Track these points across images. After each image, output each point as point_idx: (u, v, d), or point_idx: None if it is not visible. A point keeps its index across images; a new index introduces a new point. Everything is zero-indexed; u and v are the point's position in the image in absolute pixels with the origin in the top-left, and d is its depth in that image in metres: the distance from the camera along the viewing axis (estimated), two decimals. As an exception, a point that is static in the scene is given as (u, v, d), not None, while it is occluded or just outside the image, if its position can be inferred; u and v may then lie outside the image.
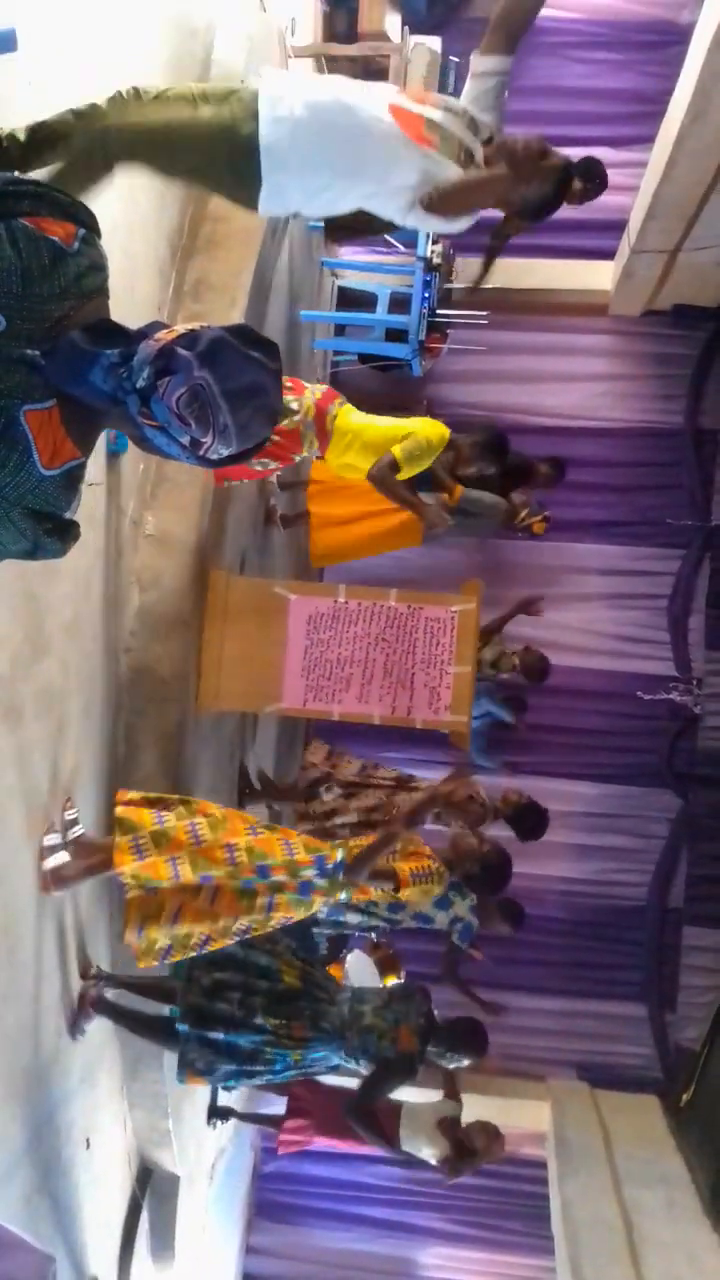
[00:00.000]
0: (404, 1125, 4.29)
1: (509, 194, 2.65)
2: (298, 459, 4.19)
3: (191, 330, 1.63)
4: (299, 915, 3.24)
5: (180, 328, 1.65)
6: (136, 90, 2.48)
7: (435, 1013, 3.74)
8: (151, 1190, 4.41)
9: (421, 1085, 4.43)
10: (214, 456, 1.67)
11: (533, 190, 2.67)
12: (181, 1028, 3.42)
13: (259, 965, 3.51)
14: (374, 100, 2.58)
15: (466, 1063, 3.77)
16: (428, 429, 4.18)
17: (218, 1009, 3.40)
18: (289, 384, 3.99)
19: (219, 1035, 3.41)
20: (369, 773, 5.02)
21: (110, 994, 3.60)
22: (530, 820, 5.28)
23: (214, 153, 2.51)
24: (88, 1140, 3.65)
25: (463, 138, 2.63)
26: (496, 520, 5.94)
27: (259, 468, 4.08)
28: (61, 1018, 3.35)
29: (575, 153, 6.74)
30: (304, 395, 4.08)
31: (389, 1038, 3.55)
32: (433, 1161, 4.27)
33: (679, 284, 6.42)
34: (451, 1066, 3.86)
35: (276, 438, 3.78)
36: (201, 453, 1.66)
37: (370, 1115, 3.87)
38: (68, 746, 3.24)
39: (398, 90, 2.68)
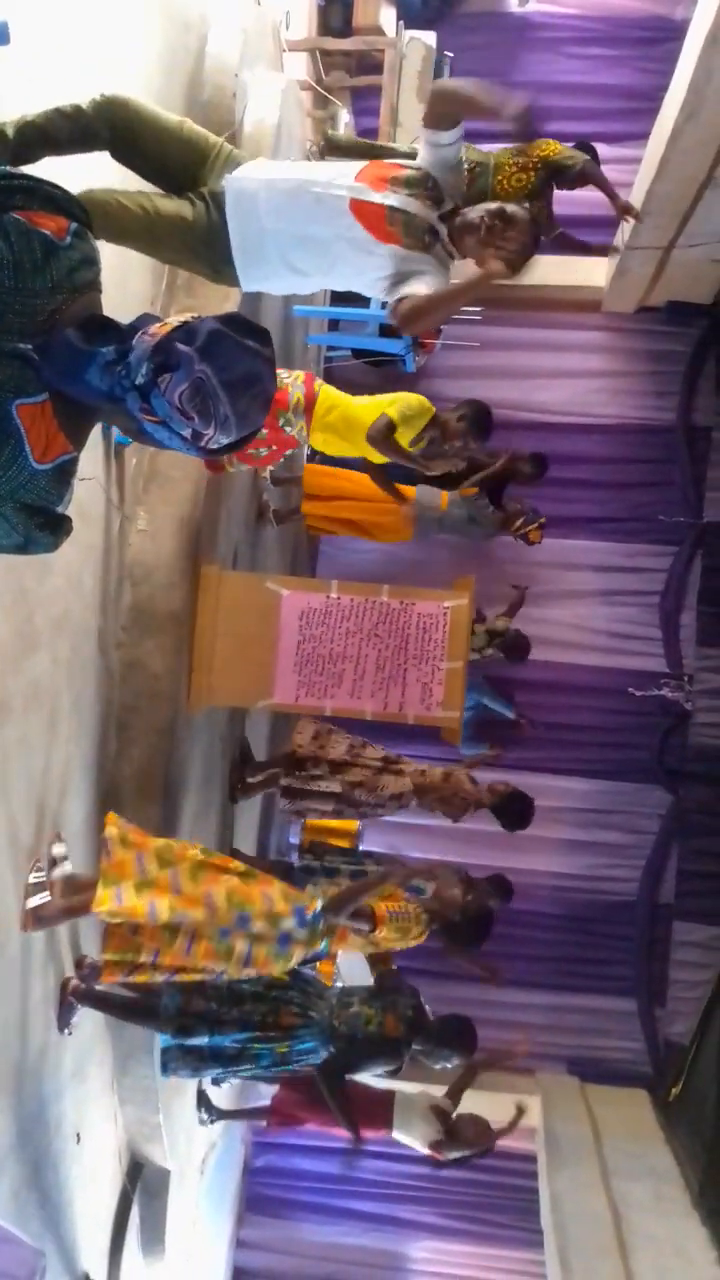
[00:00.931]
0: (397, 1112, 4.32)
1: (481, 292, 2.67)
2: (288, 430, 4.26)
3: (186, 323, 1.63)
4: (276, 970, 3.22)
5: (173, 320, 1.65)
6: (112, 99, 2.56)
7: (427, 1009, 3.76)
8: (142, 1185, 4.41)
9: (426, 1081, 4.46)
10: (214, 446, 1.67)
11: (510, 255, 2.70)
12: (162, 1038, 3.40)
13: None
14: (336, 198, 2.64)
15: (455, 1062, 3.77)
16: (408, 398, 4.26)
17: (198, 1006, 3.39)
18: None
19: (202, 1040, 3.40)
20: (356, 752, 5.04)
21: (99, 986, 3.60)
22: (516, 809, 5.30)
23: (194, 251, 2.67)
24: (78, 1135, 3.65)
25: (425, 217, 2.69)
26: (492, 530, 5.99)
27: (249, 450, 4.12)
28: (51, 1013, 3.35)
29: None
30: (289, 371, 4.23)
31: (375, 1022, 3.58)
32: (423, 1148, 4.28)
33: (672, 281, 6.43)
34: (438, 1066, 3.84)
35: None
36: (203, 444, 1.66)
37: (336, 1078, 3.77)
38: (59, 742, 3.23)
39: (357, 173, 2.70)
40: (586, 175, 5.41)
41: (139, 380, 1.60)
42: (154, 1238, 4.55)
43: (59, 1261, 3.55)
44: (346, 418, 4.27)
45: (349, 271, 2.74)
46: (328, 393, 4.34)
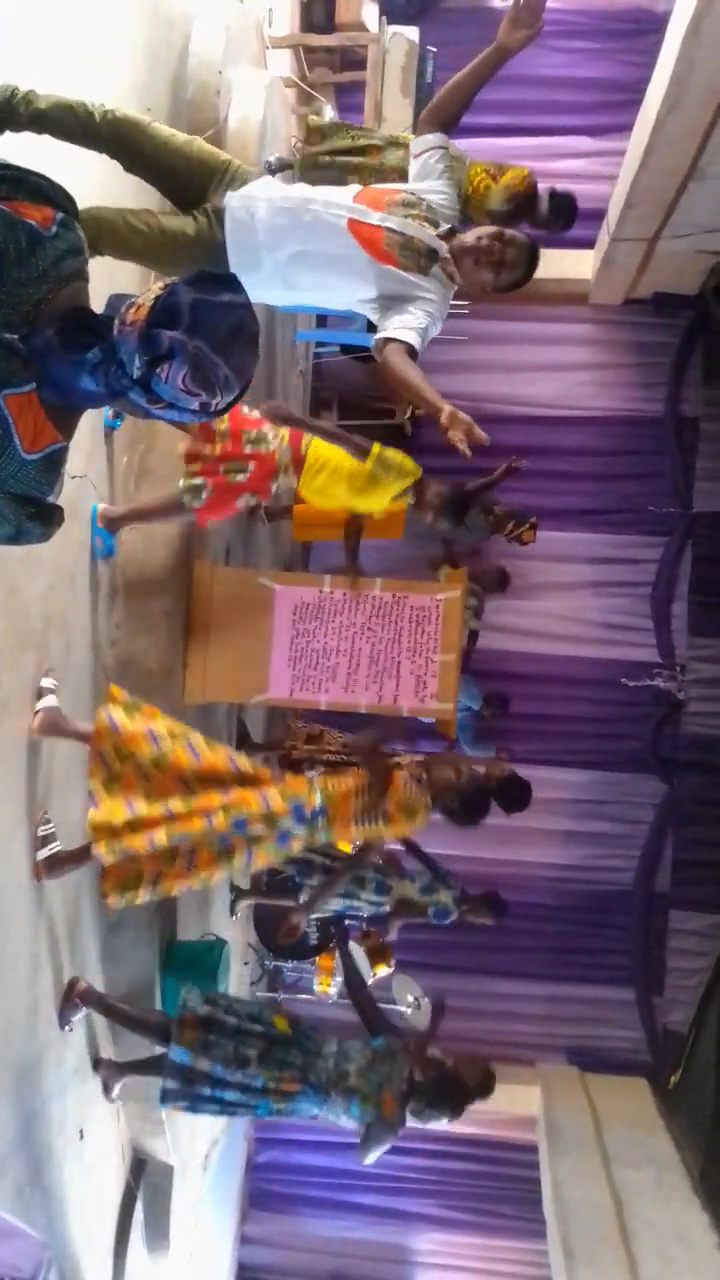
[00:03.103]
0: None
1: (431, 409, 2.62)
2: (274, 487, 4.05)
3: (161, 302, 1.62)
4: (278, 860, 3.38)
5: (145, 299, 1.63)
6: (123, 119, 2.63)
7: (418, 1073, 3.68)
8: (145, 1181, 4.42)
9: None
10: (222, 407, 1.68)
11: (506, 280, 2.82)
12: (168, 1084, 3.43)
13: (249, 1010, 3.57)
14: (335, 218, 2.68)
15: (445, 1121, 3.75)
16: (397, 455, 4.06)
17: (203, 1067, 3.40)
18: (252, 417, 3.91)
19: (204, 1090, 3.44)
20: (350, 748, 5.09)
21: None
22: (513, 792, 5.33)
23: (196, 266, 2.69)
24: (81, 1131, 3.66)
25: (422, 239, 2.74)
26: (484, 534, 5.99)
27: (239, 504, 3.95)
28: (53, 1009, 3.36)
29: (555, 142, 6.84)
30: (273, 429, 3.96)
31: (373, 1101, 3.53)
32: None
33: (658, 272, 6.45)
34: (429, 1124, 3.81)
35: (252, 465, 3.77)
36: (211, 409, 1.67)
37: None
38: (55, 740, 3.24)
39: (355, 195, 2.76)
40: None
41: (136, 375, 1.60)
42: (158, 1234, 4.56)
43: (63, 1257, 3.56)
44: (337, 474, 4.05)
45: (344, 290, 2.78)
46: (319, 450, 4.05)
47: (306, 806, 3.30)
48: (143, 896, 3.22)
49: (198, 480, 3.72)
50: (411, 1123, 3.68)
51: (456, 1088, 3.80)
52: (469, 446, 2.43)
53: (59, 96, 2.57)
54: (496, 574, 6.38)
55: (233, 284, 1.67)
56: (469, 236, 2.77)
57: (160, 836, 3.12)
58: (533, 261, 2.83)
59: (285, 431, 3.91)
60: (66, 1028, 3.44)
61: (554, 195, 4.59)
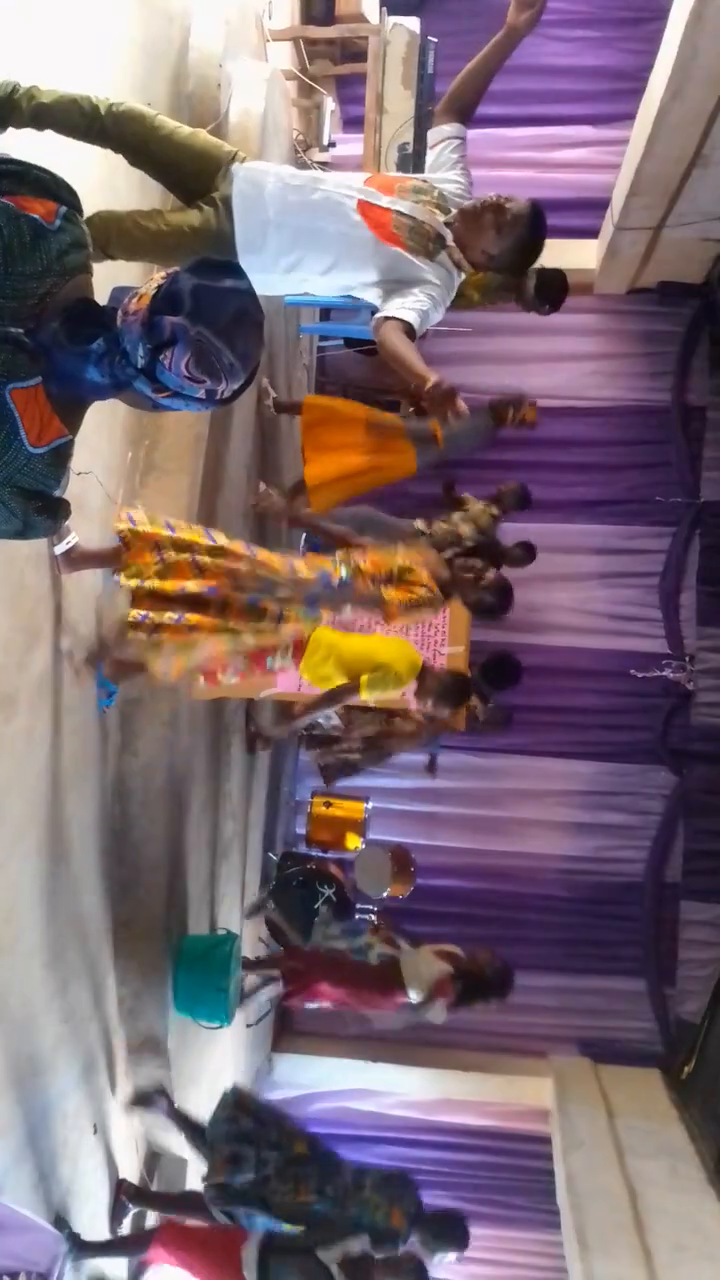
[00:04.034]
0: (404, 967, 4.63)
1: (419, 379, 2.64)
2: (271, 664, 3.92)
3: (164, 289, 1.62)
4: (307, 628, 3.46)
5: (148, 289, 1.63)
6: (127, 112, 2.62)
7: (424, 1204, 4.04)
8: (159, 1175, 4.44)
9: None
10: (228, 395, 1.68)
11: (510, 238, 2.76)
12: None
13: (269, 1139, 3.87)
14: (344, 199, 2.68)
15: (452, 1257, 4.02)
16: (400, 660, 4.13)
17: (236, 1185, 3.80)
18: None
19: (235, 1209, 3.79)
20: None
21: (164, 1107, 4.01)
22: (507, 670, 5.43)
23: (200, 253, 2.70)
24: (95, 1126, 3.68)
25: (431, 224, 2.74)
26: (487, 434, 5.79)
27: (231, 679, 3.81)
28: (65, 1005, 3.37)
29: (558, 131, 6.81)
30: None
31: (383, 1211, 3.83)
32: (431, 985, 4.51)
33: (663, 261, 6.42)
34: (435, 1259, 3.96)
35: (251, 640, 3.58)
36: (218, 397, 1.67)
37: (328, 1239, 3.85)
38: (63, 735, 3.25)
39: (365, 180, 2.77)
40: None
41: (140, 363, 1.60)
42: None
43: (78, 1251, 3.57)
44: (339, 662, 4.11)
45: (349, 271, 2.75)
46: (322, 634, 4.08)
47: (333, 576, 3.38)
48: (181, 662, 3.21)
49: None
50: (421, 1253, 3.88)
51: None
52: (454, 415, 2.49)
53: (62, 91, 2.56)
54: (517, 492, 5.98)
55: (235, 270, 1.67)
56: (468, 203, 2.79)
57: (191, 584, 3.15)
58: (537, 221, 2.77)
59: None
60: (116, 1226, 3.66)
61: (542, 271, 4.74)
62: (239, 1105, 4.01)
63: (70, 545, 3.08)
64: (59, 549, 3.07)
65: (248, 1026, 5.47)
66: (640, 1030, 6.93)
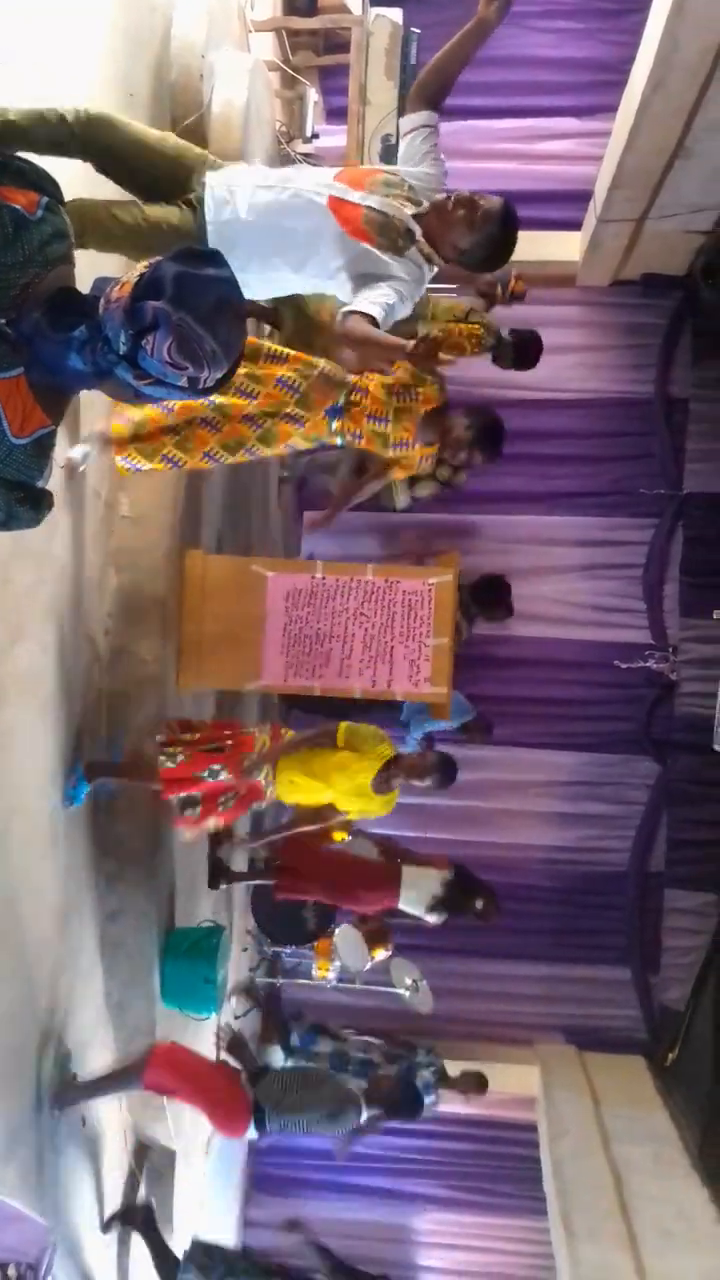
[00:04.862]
0: (405, 880, 4.82)
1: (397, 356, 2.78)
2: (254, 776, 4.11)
3: (146, 277, 1.62)
4: (298, 439, 3.70)
5: (130, 277, 1.63)
6: (95, 118, 2.59)
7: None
8: (148, 1166, 4.46)
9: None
10: (211, 384, 1.68)
11: (481, 232, 2.77)
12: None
13: (240, 1269, 4.15)
14: (315, 196, 2.69)
15: None
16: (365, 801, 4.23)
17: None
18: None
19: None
20: None
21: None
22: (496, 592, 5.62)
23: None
24: (83, 1119, 3.69)
25: (401, 218, 2.74)
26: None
27: (208, 778, 3.88)
28: (51, 998, 3.37)
29: (541, 123, 6.81)
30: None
31: None
32: (435, 893, 4.71)
33: (646, 253, 6.43)
34: None
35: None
36: (200, 386, 1.67)
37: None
38: (49, 729, 3.25)
39: (336, 175, 2.78)
40: None
41: (122, 350, 1.60)
42: (162, 1218, 4.59)
43: (67, 1242, 3.59)
44: (311, 773, 4.17)
45: (319, 268, 2.77)
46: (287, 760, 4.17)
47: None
48: (170, 447, 3.51)
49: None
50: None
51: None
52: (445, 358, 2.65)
53: (27, 108, 2.51)
54: (528, 338, 5.68)
55: (217, 259, 1.67)
56: (439, 197, 2.80)
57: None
58: (508, 219, 2.78)
59: (268, 724, 4.27)
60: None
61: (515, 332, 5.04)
62: (207, 1254, 4.18)
63: (86, 454, 3.26)
64: (75, 455, 3.23)
65: (236, 1018, 5.48)
66: (625, 1018, 6.98)
